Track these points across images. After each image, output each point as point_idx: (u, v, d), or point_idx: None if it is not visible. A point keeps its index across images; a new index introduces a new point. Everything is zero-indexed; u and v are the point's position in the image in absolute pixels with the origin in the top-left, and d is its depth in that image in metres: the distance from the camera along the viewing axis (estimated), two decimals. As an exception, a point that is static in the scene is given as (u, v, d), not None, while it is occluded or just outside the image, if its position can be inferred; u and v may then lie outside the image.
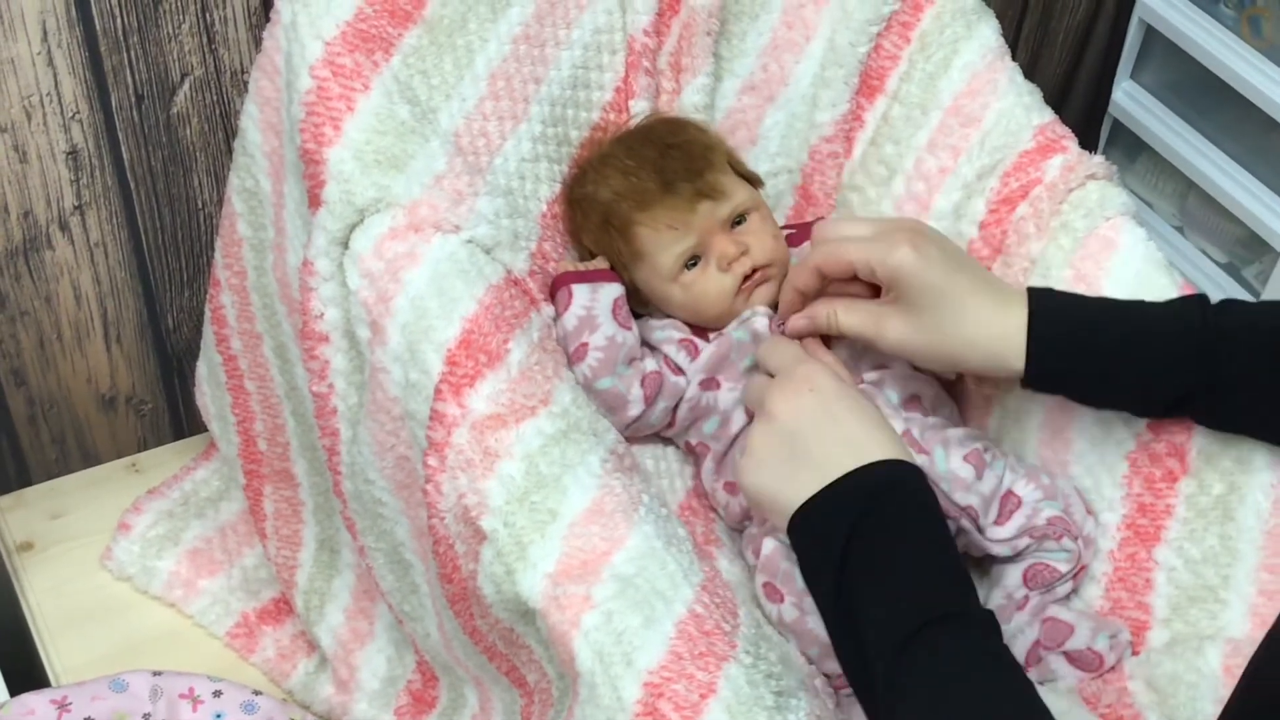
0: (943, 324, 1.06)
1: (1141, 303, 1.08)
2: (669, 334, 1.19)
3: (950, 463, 1.11)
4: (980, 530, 1.11)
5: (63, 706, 1.13)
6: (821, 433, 0.99)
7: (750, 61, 1.30)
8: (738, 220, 1.18)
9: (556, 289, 1.16)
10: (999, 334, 1.05)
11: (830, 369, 1.04)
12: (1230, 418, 1.07)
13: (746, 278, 1.17)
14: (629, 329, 1.16)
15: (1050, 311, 1.06)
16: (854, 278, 1.11)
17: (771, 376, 1.07)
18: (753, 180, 1.23)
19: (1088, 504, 1.14)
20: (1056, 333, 1.05)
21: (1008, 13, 1.76)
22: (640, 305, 1.22)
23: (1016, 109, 1.22)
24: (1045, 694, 0.99)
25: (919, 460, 1.09)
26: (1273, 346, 1.03)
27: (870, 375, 1.14)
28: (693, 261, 1.17)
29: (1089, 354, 1.06)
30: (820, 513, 0.97)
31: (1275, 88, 1.61)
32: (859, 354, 1.16)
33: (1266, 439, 1.07)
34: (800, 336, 1.14)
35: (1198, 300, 1.06)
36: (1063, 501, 1.13)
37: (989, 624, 0.93)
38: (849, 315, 1.10)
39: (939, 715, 0.88)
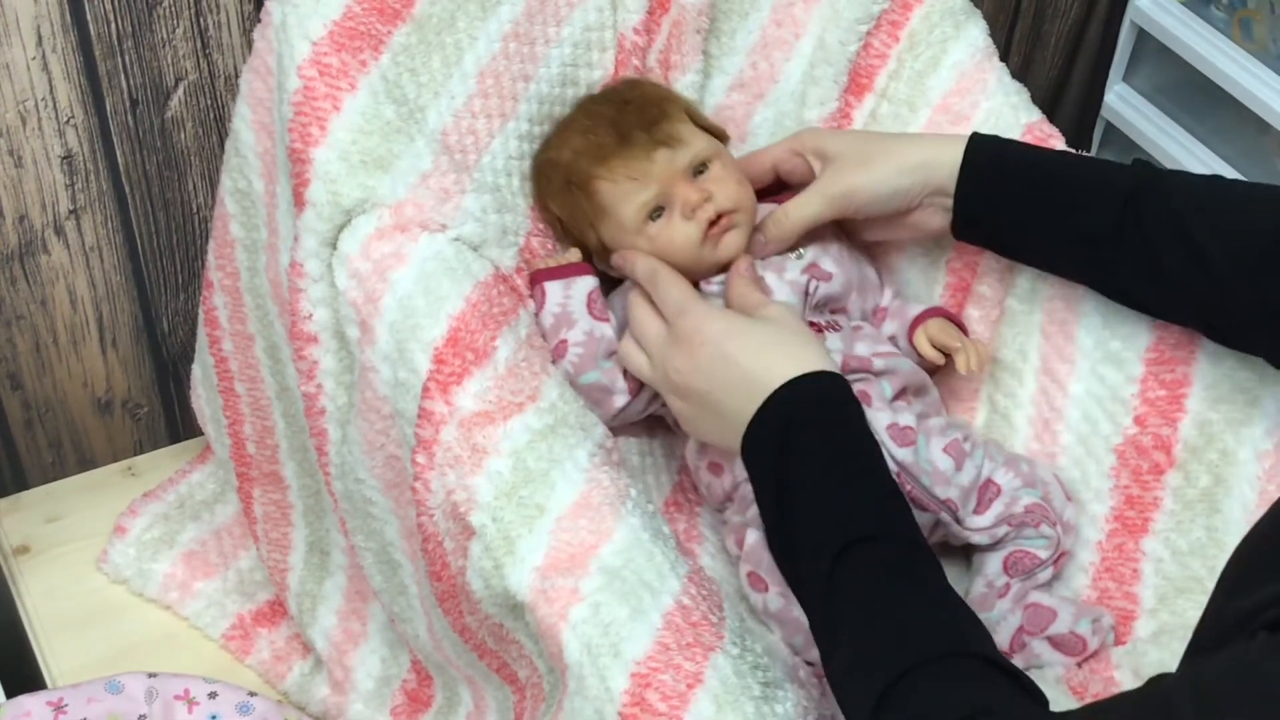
0: (877, 145, 1.14)
1: (1078, 154, 1.14)
2: None
3: (930, 452, 1.11)
4: (959, 521, 1.11)
5: (59, 708, 1.13)
6: (726, 383, 1.02)
7: (740, 59, 1.30)
8: (700, 169, 1.17)
9: (531, 287, 1.16)
10: (932, 149, 1.12)
11: (712, 309, 1.06)
12: (1126, 279, 1.08)
13: (712, 224, 1.15)
14: (606, 321, 1.16)
15: (987, 143, 1.12)
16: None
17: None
18: (718, 134, 1.23)
19: (1068, 490, 1.15)
20: (989, 157, 1.10)
21: (1000, 16, 1.76)
22: (610, 267, 1.21)
23: (1005, 108, 1.22)
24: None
25: (902, 454, 1.10)
26: (1180, 219, 1.04)
27: (879, 363, 1.15)
28: (657, 213, 1.16)
29: (1018, 180, 1.09)
30: (749, 459, 1.00)
31: (1267, 90, 1.61)
32: (858, 337, 1.16)
33: (1149, 310, 1.10)
34: (763, 256, 1.18)
35: (1135, 163, 1.10)
36: (1041, 489, 1.13)
37: (909, 541, 0.93)
38: (797, 207, 1.16)
39: (857, 652, 0.88)
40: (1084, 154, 1.12)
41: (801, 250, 1.19)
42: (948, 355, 1.18)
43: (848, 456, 0.97)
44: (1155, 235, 1.04)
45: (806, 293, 1.16)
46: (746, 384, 1.00)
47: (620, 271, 1.17)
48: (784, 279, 1.17)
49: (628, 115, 1.17)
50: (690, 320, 1.05)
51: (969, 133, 1.12)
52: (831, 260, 1.19)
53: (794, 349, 1.01)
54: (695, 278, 1.18)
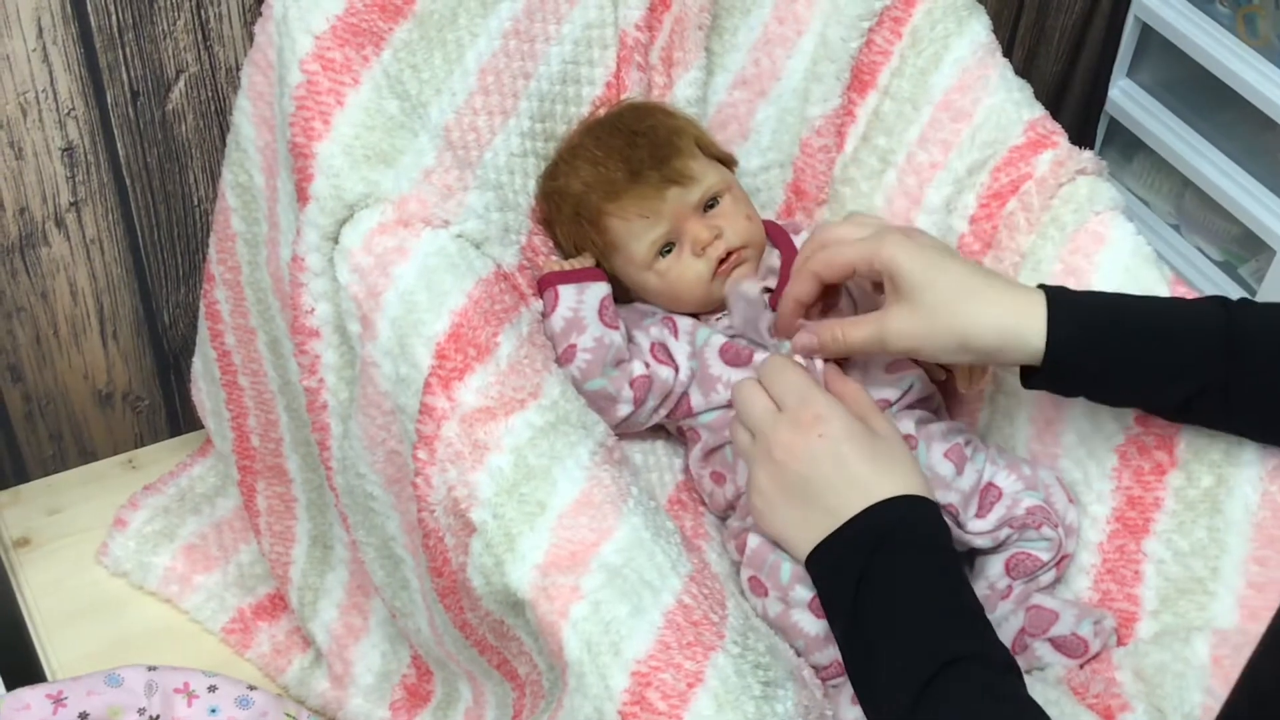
0: (947, 307, 1.03)
1: (1156, 300, 1.06)
2: (657, 315, 1.20)
3: (931, 458, 1.11)
4: (960, 525, 1.11)
5: (58, 701, 1.13)
6: (831, 478, 1.00)
7: (742, 56, 1.30)
8: (710, 204, 1.18)
9: (542, 289, 1.16)
10: (1013, 313, 1.02)
11: (838, 405, 1.03)
12: (1239, 421, 1.06)
13: (721, 261, 1.17)
14: (616, 328, 1.16)
15: (1068, 303, 1.03)
16: (844, 290, 1.12)
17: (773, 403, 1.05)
18: (726, 161, 1.23)
19: (1070, 492, 1.15)
20: (1076, 324, 1.02)
21: (1003, 12, 1.76)
22: (624, 294, 1.22)
23: (1007, 104, 1.22)
24: (1033, 683, 1.00)
25: None
26: None
27: (894, 394, 1.14)
28: (667, 248, 1.17)
29: (1107, 348, 1.03)
30: (831, 556, 0.99)
31: (1271, 86, 1.61)
32: (871, 362, 1.16)
33: (1271, 442, 1.06)
34: (807, 355, 1.11)
35: (1217, 301, 1.04)
36: (1043, 491, 1.13)
37: (1004, 663, 0.93)
38: (855, 330, 1.08)
39: None
40: (1168, 299, 1.07)
41: None
42: (949, 370, 1.18)
43: (944, 581, 0.96)
44: (1265, 378, 1.01)
45: None
46: (849, 488, 0.99)
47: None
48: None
49: (639, 150, 1.16)
50: (815, 409, 1.02)
51: (1040, 297, 1.03)
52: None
53: (903, 473, 1.00)
54: (701, 311, 1.18)
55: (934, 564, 0.97)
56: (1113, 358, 1.03)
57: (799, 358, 1.11)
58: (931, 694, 0.89)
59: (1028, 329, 1.02)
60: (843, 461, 1.00)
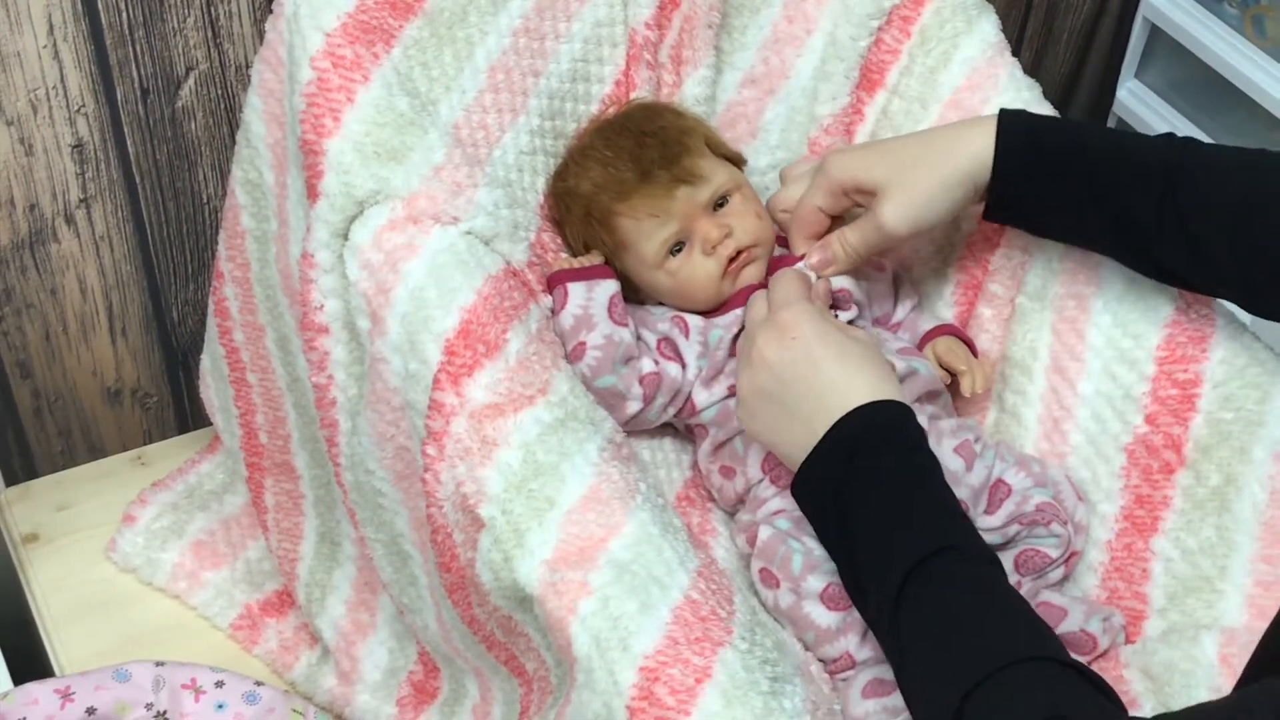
0: (912, 174, 1.10)
1: (1110, 130, 1.11)
2: (665, 312, 1.20)
3: (940, 454, 1.11)
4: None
5: (66, 696, 1.13)
6: (805, 383, 1.02)
7: (751, 55, 1.30)
8: (720, 202, 1.18)
9: (552, 287, 1.17)
10: (966, 137, 1.09)
11: (812, 310, 1.06)
12: (1164, 252, 1.07)
13: (732, 260, 1.17)
14: (625, 326, 1.17)
15: (1017, 120, 1.09)
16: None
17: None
18: (735, 160, 1.23)
19: (1079, 490, 1.15)
20: (1024, 125, 1.09)
21: (1012, 12, 1.76)
22: (634, 294, 1.22)
23: (1016, 104, 1.22)
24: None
25: None
26: (1230, 186, 1.04)
27: (900, 366, 1.15)
28: (677, 247, 1.18)
29: (1051, 158, 1.08)
30: (810, 474, 1.00)
31: (1279, 87, 1.61)
32: (880, 339, 1.17)
33: (1195, 287, 1.09)
34: (821, 271, 1.17)
35: (1167, 137, 1.09)
36: (1053, 488, 1.13)
37: (982, 554, 0.95)
38: (855, 233, 1.14)
39: (935, 659, 0.90)
40: (1116, 130, 1.11)
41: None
42: (954, 375, 1.18)
43: (919, 479, 0.98)
44: (1193, 216, 1.04)
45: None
46: (822, 393, 1.01)
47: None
48: None
49: (649, 150, 1.17)
50: (791, 313, 1.05)
51: (994, 113, 1.10)
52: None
53: (875, 376, 1.02)
54: (708, 310, 1.19)
55: (908, 465, 0.99)
56: (1052, 177, 1.08)
57: (812, 275, 1.17)
58: (913, 582, 0.92)
59: (984, 143, 1.08)
60: (816, 364, 1.02)
